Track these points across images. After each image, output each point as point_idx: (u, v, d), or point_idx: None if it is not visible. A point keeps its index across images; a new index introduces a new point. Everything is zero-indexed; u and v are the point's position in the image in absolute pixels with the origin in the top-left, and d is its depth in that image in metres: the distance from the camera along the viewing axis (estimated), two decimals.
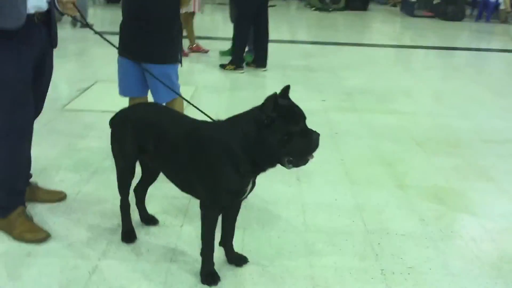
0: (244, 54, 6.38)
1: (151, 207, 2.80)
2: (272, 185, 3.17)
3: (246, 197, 2.25)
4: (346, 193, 3.21)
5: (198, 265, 2.32)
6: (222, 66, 6.28)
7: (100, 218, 2.77)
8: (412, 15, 12.84)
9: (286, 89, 2.09)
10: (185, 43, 7.10)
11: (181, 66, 3.43)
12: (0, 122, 2.46)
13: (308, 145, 2.02)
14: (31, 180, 2.87)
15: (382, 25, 12.16)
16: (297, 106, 2.04)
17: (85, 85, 5.35)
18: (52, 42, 2.62)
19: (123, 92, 3.33)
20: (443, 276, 2.43)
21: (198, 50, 7.22)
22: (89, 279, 2.27)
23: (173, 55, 3.28)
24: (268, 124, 1.96)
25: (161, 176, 2.47)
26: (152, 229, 2.70)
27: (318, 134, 2.03)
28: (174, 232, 2.68)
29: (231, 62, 6.24)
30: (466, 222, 2.94)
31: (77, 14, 2.66)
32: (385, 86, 5.99)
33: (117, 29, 3.24)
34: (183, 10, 6.44)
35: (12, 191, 2.58)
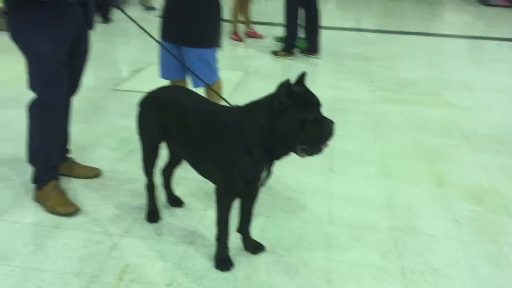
0: (299, 41, 6.30)
1: (180, 190, 2.86)
2: (302, 174, 3.13)
3: (262, 184, 2.24)
4: (379, 187, 3.10)
5: (214, 249, 2.34)
6: (274, 53, 6.24)
7: (129, 197, 2.85)
8: (487, 3, 12.11)
9: (302, 76, 2.05)
10: (241, 27, 7.14)
11: (219, 48, 3.43)
12: (35, 99, 2.59)
13: (322, 133, 1.97)
14: (69, 155, 3.01)
15: (453, 14, 11.55)
16: (311, 93, 1.99)
17: (140, 67, 5.50)
18: (89, 24, 2.71)
19: (163, 75, 3.39)
20: (470, 281, 2.31)
21: (254, 35, 7.21)
22: (108, 254, 2.35)
23: (211, 39, 3.29)
24: (281, 111, 1.93)
25: None
26: (177, 211, 2.75)
27: (333, 122, 1.97)
28: (198, 215, 2.71)
29: (282, 48, 6.19)
30: (503, 226, 2.76)
31: None
32: (444, 78, 5.70)
33: None
34: None
35: (46, 165, 2.71)
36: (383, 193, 3.03)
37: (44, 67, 2.52)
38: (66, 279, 2.18)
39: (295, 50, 6.23)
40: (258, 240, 2.47)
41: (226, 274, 2.26)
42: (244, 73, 5.43)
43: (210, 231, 2.52)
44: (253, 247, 2.44)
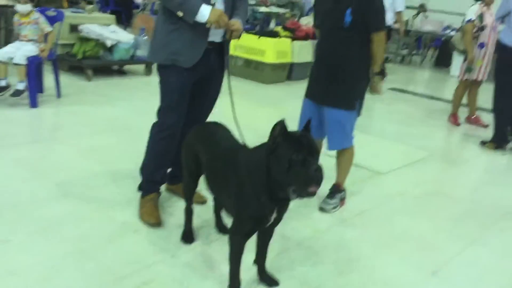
0: None
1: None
2: (400, 267, 2.79)
3: (273, 224, 2.30)
4: None
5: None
6: (483, 143, 5.53)
7: (210, 226, 3.01)
8: None
9: (308, 122, 2.13)
10: (464, 111, 6.59)
11: (358, 115, 3.36)
12: (157, 121, 3.01)
13: (305, 176, 1.94)
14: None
15: None
16: (307, 138, 2.02)
17: None
18: (224, 66, 3.03)
19: None
20: None
21: (476, 122, 6.53)
22: (148, 267, 2.55)
23: (347, 102, 3.25)
24: (273, 150, 2.01)
25: None
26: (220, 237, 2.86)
27: (320, 168, 1.96)
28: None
29: (492, 139, 5.45)
30: None
31: None
32: None
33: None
34: (464, 76, 6.08)
35: (150, 178, 3.09)
36: None
37: (167, 97, 2.93)
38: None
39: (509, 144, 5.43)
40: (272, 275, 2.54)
41: None
42: (428, 154, 5.00)
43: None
44: (268, 280, 2.51)
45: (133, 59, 6.97)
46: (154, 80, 3.17)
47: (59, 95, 5.46)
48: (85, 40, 6.68)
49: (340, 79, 3.22)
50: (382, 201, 3.72)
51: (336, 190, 3.47)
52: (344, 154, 3.44)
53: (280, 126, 2.01)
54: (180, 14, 2.67)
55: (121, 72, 7.14)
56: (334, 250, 2.93)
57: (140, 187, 3.12)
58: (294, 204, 3.36)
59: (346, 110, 3.26)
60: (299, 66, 7.92)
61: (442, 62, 11.48)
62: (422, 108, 7.27)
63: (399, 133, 5.79)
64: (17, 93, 4.89)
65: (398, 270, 2.81)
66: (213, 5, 2.71)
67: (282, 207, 2.24)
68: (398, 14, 8.46)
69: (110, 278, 2.41)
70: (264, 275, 2.52)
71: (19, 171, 3.53)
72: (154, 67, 3.16)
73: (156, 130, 3.00)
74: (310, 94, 3.40)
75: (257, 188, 2.11)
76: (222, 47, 2.93)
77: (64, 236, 2.74)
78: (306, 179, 1.95)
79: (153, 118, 2.99)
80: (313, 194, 1.98)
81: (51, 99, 5.38)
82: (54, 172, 3.54)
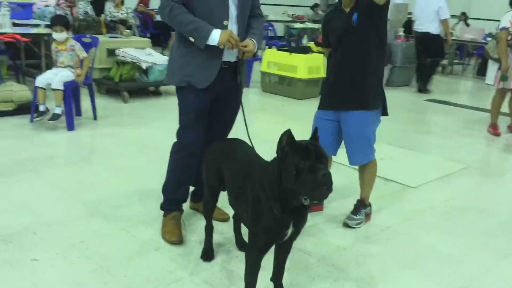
0: None
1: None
2: None
3: (291, 238, 2.29)
4: None
5: None
6: None
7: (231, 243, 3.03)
8: None
9: (315, 131, 2.19)
10: (506, 121, 6.37)
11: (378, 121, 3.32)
12: (176, 141, 3.08)
13: (314, 182, 1.95)
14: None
15: None
16: (315, 145, 2.05)
17: None
18: (239, 85, 3.07)
19: None
20: None
21: None
22: (167, 285, 2.59)
23: (369, 101, 3.19)
24: (283, 159, 2.04)
25: None
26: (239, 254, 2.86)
27: (327, 172, 1.97)
28: None
29: None
30: None
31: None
32: None
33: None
34: (499, 85, 5.89)
35: (171, 197, 3.14)
36: None
37: (185, 113, 3.00)
38: None
39: None
40: None
41: None
42: (464, 167, 4.85)
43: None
44: None
45: None
46: None
47: (95, 117, 5.66)
48: (121, 63, 6.92)
49: (359, 80, 3.19)
50: (410, 216, 3.63)
51: (361, 205, 3.42)
52: (367, 168, 3.39)
53: (286, 136, 2.04)
54: (192, 39, 2.76)
55: (157, 93, 7.33)
56: (356, 267, 2.89)
57: (162, 206, 3.19)
58: (318, 220, 3.42)
59: (370, 111, 3.19)
60: None
61: (485, 71, 11.14)
62: (461, 118, 7.07)
63: (434, 145, 5.66)
64: (55, 117, 5.11)
65: (423, 287, 2.73)
66: (226, 26, 2.77)
67: (298, 221, 2.21)
68: (444, 22, 8.30)
69: None
70: None
71: (54, 191, 3.68)
72: None
73: (175, 150, 3.07)
74: (326, 104, 3.32)
75: (270, 200, 2.12)
76: (237, 66, 2.98)
77: (89, 254, 2.82)
78: (315, 185, 1.95)
79: None
80: (326, 195, 2.02)
81: (88, 121, 5.59)
82: (84, 192, 3.67)
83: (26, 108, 5.47)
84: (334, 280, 2.73)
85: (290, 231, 2.21)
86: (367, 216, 3.45)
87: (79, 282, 2.56)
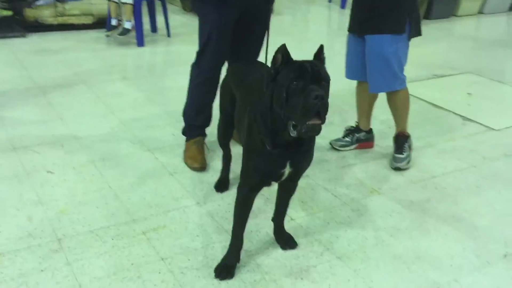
0: None
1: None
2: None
3: (292, 179, 2.00)
4: None
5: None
6: None
7: None
8: None
9: (320, 49, 1.76)
10: None
11: (410, 39, 2.78)
12: (195, 60, 2.82)
13: (304, 104, 1.60)
14: None
15: None
16: (312, 64, 1.67)
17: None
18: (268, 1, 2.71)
19: (347, 74, 3.03)
20: None
21: None
22: (166, 213, 2.45)
23: (391, 23, 2.68)
24: (273, 78, 1.72)
25: None
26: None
27: (322, 96, 1.59)
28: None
29: None
30: None
31: None
32: None
33: None
34: None
35: (192, 123, 2.95)
36: None
37: (205, 32, 2.69)
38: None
39: None
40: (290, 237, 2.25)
41: None
42: None
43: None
44: (283, 240, 2.23)
45: None
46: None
47: (169, 34, 5.55)
48: None
49: (382, 2, 2.68)
50: (479, 163, 3.07)
51: (402, 140, 2.98)
52: (394, 99, 2.93)
53: (281, 53, 1.71)
54: None
55: None
56: (384, 216, 2.49)
57: (184, 131, 3.00)
58: (361, 158, 3.02)
59: (391, 35, 2.69)
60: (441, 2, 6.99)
61: None
62: None
63: None
64: (124, 31, 5.08)
65: (446, 248, 2.29)
66: None
67: (296, 160, 1.88)
68: None
69: (123, 220, 2.36)
70: (280, 235, 2.24)
71: (97, 106, 3.68)
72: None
73: (195, 74, 2.84)
74: (351, 27, 2.90)
75: (262, 133, 1.81)
76: None
77: (104, 173, 2.76)
78: (305, 108, 1.60)
79: None
80: (315, 129, 1.65)
81: (161, 38, 5.50)
82: (125, 109, 3.62)
83: (105, 22, 5.51)
84: (351, 227, 2.39)
85: (287, 171, 1.89)
86: (410, 148, 3.01)
87: (82, 199, 2.51)
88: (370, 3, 2.71)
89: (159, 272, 2.03)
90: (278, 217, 2.22)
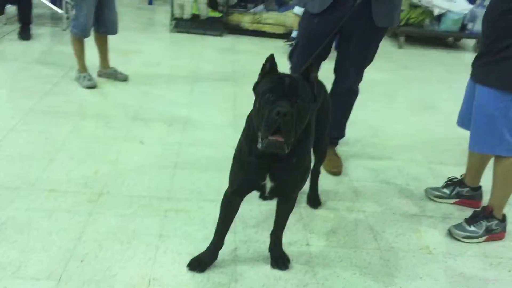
0: None
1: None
2: None
3: (279, 194, 1.97)
4: None
5: None
6: None
7: None
8: None
9: (310, 66, 1.73)
10: None
11: None
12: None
13: (266, 118, 1.60)
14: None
15: None
16: (292, 79, 1.65)
17: None
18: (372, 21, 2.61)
19: (458, 119, 2.63)
20: None
21: None
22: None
23: (503, 77, 2.21)
24: (254, 88, 1.76)
25: None
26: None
27: (286, 113, 1.56)
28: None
29: None
30: None
31: None
32: None
33: None
34: None
35: None
36: None
37: (298, 37, 2.87)
38: None
39: None
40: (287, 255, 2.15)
41: None
42: None
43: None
44: (275, 258, 2.13)
45: (462, 32, 6.23)
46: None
47: None
48: (413, 7, 6.39)
49: (495, 47, 2.22)
50: None
51: (483, 215, 2.43)
52: (497, 165, 2.37)
53: (269, 63, 1.73)
54: None
55: (447, 45, 6.51)
56: (415, 278, 2.13)
57: None
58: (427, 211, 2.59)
59: (503, 91, 2.21)
60: None
61: None
62: None
63: None
64: (290, 39, 5.25)
65: None
66: None
67: (276, 174, 1.81)
68: None
69: (160, 195, 2.55)
70: (274, 252, 2.14)
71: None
72: None
73: None
74: (472, 73, 2.47)
75: (244, 137, 1.84)
76: None
77: (182, 155, 3.00)
78: (266, 122, 1.60)
79: None
80: (275, 145, 1.61)
81: None
82: None
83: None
84: (362, 274, 2.11)
85: (269, 184, 1.84)
86: (491, 232, 2.42)
87: (146, 170, 2.79)
88: (486, 51, 2.30)
89: (147, 245, 2.16)
90: (275, 233, 2.13)
